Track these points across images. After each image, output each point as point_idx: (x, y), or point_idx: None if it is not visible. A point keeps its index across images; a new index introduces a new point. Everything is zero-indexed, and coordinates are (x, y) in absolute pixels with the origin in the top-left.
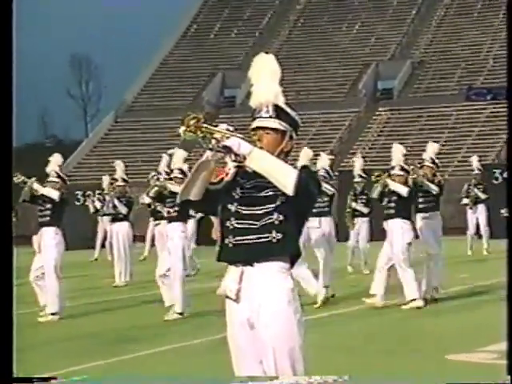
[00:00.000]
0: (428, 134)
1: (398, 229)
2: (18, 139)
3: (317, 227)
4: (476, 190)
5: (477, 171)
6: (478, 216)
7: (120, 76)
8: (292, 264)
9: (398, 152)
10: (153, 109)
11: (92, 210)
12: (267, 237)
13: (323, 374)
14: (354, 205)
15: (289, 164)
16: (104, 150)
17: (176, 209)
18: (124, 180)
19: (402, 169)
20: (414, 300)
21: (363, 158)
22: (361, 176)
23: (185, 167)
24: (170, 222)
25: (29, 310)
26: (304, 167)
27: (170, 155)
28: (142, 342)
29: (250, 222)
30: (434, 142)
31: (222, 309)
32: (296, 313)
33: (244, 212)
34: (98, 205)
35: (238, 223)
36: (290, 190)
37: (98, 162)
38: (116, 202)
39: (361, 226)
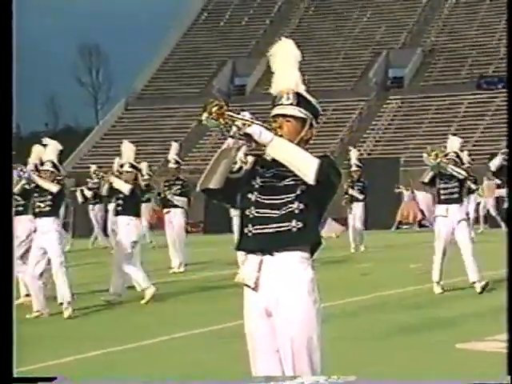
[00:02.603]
0: (438, 123)
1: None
2: (28, 127)
3: (444, 216)
4: (468, 181)
5: (468, 165)
6: (468, 205)
7: (130, 64)
8: (312, 253)
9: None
10: (163, 97)
11: (80, 199)
12: (287, 226)
13: (333, 365)
14: (350, 191)
15: (309, 152)
16: (114, 137)
17: (48, 203)
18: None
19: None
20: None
21: (375, 144)
22: (357, 166)
23: (56, 160)
24: (40, 217)
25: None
26: (324, 156)
27: (179, 143)
28: (150, 329)
29: (270, 211)
30: (445, 131)
31: (234, 296)
32: (315, 303)
33: (264, 201)
34: (88, 194)
35: (257, 212)
36: (311, 178)
37: (108, 150)
38: None
39: (357, 210)
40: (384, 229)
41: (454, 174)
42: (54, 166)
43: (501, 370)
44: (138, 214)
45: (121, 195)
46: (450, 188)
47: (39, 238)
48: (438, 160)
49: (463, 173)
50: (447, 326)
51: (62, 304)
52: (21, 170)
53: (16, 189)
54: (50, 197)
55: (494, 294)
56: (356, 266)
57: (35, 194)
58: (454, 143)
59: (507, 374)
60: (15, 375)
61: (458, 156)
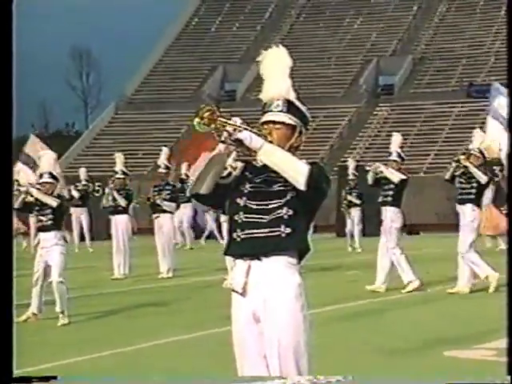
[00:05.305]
0: (428, 131)
1: None
2: (19, 131)
3: None
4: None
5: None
6: None
7: (121, 68)
8: (300, 259)
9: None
10: (153, 102)
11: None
12: (276, 231)
13: (321, 371)
14: (349, 197)
15: (299, 159)
16: (104, 142)
17: (50, 217)
18: (124, 173)
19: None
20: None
21: (365, 151)
22: (354, 174)
23: (55, 171)
24: (43, 231)
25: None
26: (314, 163)
27: (170, 148)
28: (140, 334)
29: (259, 216)
30: (435, 139)
31: (222, 302)
32: (302, 308)
33: (253, 206)
34: (75, 194)
35: (246, 217)
36: (301, 184)
37: (98, 154)
38: (115, 194)
39: (355, 214)
40: (373, 236)
41: None
42: (53, 176)
43: (492, 377)
44: None
45: None
46: None
47: (42, 253)
48: None
49: None
50: (434, 334)
51: (62, 312)
52: (18, 185)
53: (17, 203)
54: (50, 210)
55: (482, 302)
56: (345, 272)
57: (36, 208)
58: None
59: (507, 374)
60: (15, 375)
61: None
